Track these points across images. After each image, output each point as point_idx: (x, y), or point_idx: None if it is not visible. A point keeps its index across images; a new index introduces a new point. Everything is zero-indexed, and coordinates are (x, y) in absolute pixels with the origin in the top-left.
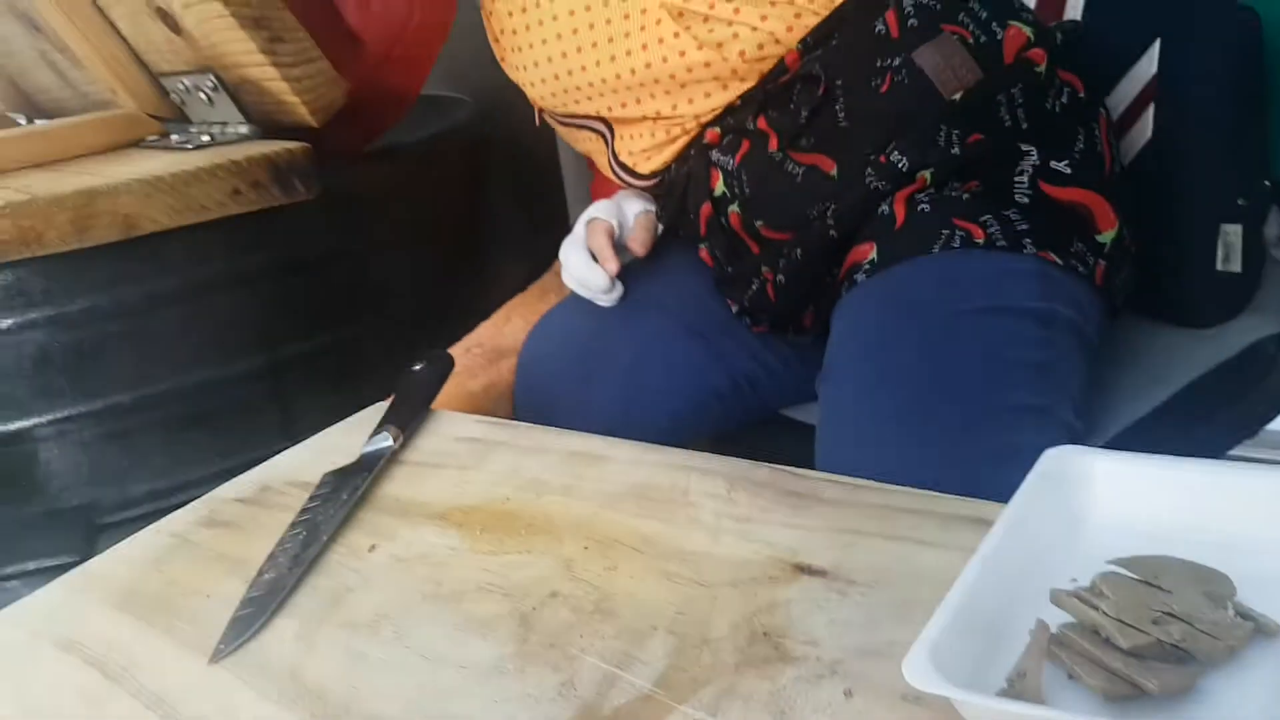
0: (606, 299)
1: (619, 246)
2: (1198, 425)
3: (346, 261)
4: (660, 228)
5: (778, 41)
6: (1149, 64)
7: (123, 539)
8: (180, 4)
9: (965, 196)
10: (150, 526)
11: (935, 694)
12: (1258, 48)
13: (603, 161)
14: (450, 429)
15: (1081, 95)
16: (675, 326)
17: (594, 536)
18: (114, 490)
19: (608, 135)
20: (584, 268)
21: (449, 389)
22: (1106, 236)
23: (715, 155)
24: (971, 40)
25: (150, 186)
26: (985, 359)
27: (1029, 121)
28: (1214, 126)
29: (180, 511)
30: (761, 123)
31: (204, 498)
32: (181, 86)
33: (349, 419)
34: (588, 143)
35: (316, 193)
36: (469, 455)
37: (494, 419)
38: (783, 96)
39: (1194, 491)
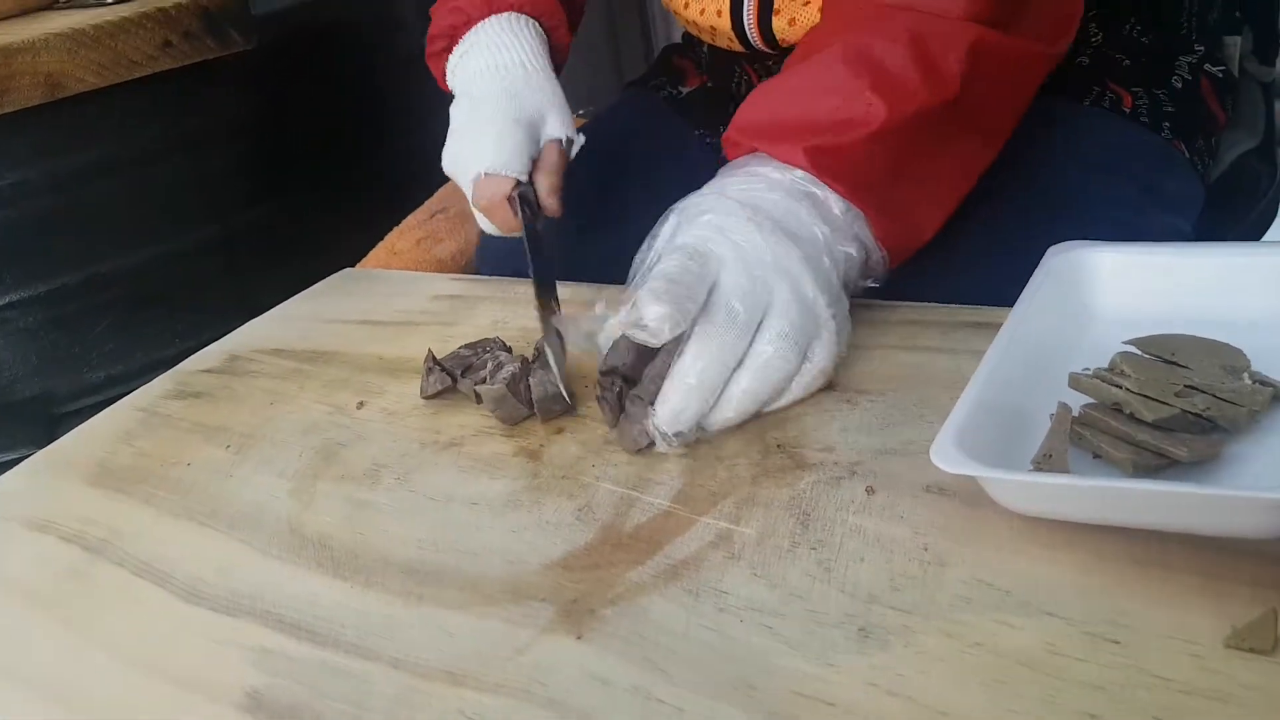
0: None
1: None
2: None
3: (291, 120)
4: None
5: None
6: None
7: None
8: None
9: (1126, 63)
10: (114, 404)
11: (965, 475)
12: None
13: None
14: (427, 289)
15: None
16: None
17: (594, 377)
18: (69, 378)
19: None
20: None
21: (418, 256)
22: (1217, 140)
23: None
24: None
25: (73, 41)
26: (1080, 209)
27: (1199, 30)
28: None
29: (145, 387)
30: None
31: (169, 372)
32: None
33: (313, 287)
34: None
35: (254, 43)
36: (450, 312)
37: (474, 277)
38: None
39: (1198, 276)
